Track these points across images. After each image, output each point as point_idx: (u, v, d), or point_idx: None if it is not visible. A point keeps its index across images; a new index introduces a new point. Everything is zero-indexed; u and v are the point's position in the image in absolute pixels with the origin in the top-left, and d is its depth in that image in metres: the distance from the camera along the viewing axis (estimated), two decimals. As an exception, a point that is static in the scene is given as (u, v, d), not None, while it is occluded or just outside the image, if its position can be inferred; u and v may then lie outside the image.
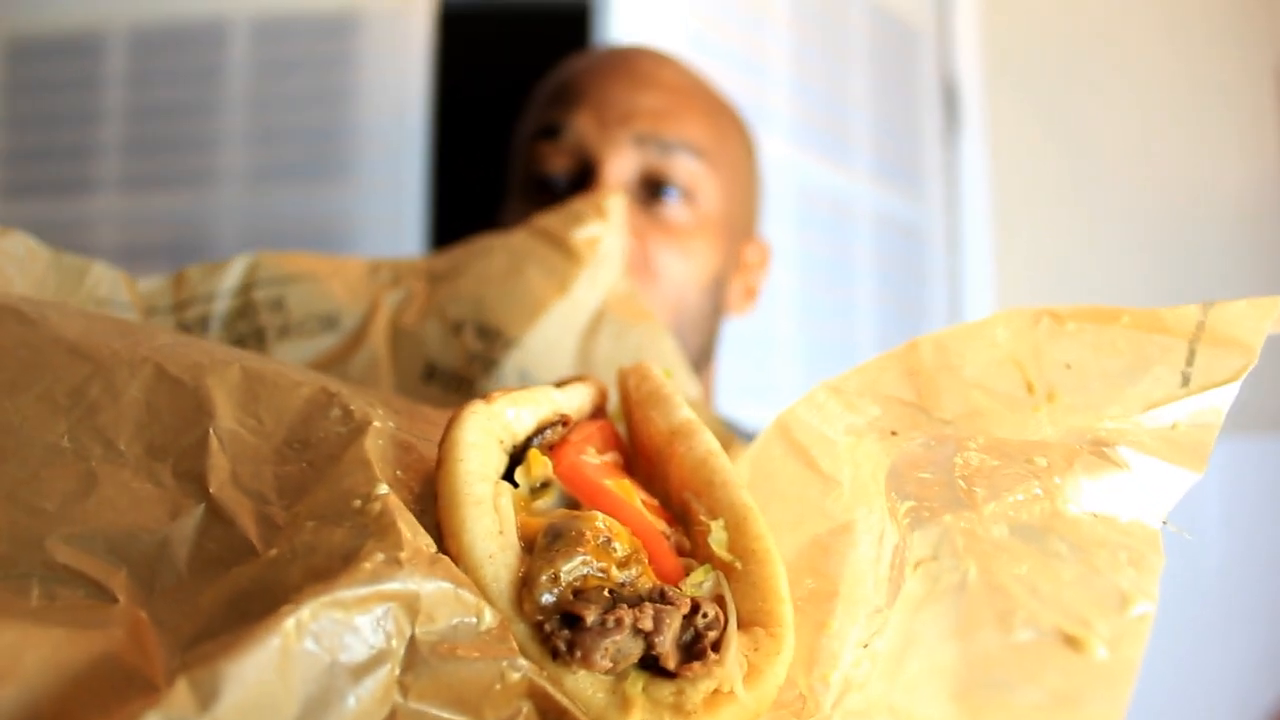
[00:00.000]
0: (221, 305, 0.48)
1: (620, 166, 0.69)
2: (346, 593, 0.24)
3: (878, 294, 1.53)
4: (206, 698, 0.21)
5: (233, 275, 0.49)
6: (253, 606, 0.24)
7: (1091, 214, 1.75)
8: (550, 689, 0.25)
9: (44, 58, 1.27)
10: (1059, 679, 0.26)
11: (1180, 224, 1.70)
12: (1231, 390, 0.32)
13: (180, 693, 0.21)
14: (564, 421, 0.32)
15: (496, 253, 0.53)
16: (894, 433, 0.34)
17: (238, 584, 0.26)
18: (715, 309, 0.77)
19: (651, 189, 0.71)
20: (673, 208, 0.71)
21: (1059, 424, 0.34)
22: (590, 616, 0.25)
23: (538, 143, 0.73)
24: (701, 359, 0.77)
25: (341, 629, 0.24)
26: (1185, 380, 0.33)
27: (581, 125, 0.70)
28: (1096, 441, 0.32)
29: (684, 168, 0.71)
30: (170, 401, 0.31)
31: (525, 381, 0.50)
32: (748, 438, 0.56)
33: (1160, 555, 0.30)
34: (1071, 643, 0.26)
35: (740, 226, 0.79)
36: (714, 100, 0.78)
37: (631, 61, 0.76)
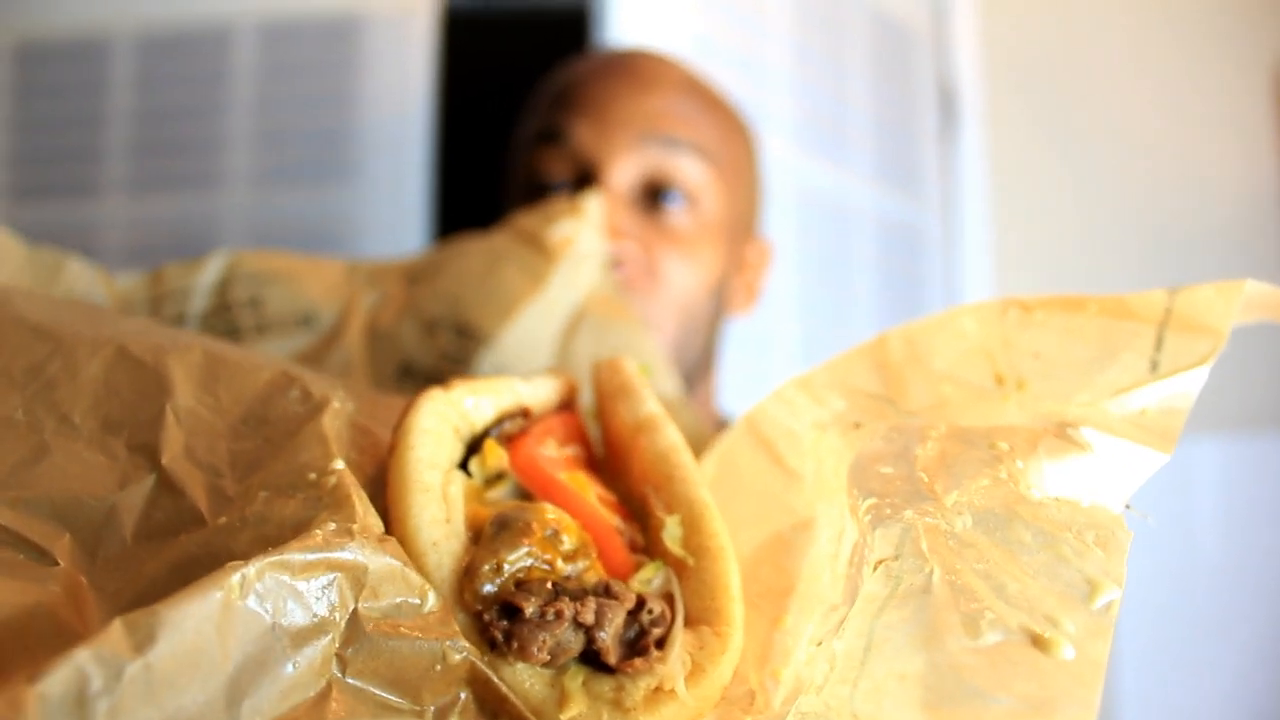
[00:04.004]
0: (199, 302, 0.49)
1: (622, 173, 0.68)
2: (295, 556, 0.24)
3: (876, 293, 1.53)
4: (142, 641, 0.21)
5: (210, 273, 0.50)
6: (197, 572, 0.23)
7: (1089, 215, 1.74)
8: (492, 676, 0.25)
9: (52, 62, 1.29)
10: (1029, 684, 0.25)
11: (1177, 224, 1.68)
12: (1201, 374, 0.32)
13: (115, 632, 0.21)
14: (524, 413, 0.32)
15: (473, 253, 0.53)
16: (857, 425, 0.34)
17: (184, 550, 0.26)
18: (719, 310, 0.76)
19: (654, 195, 0.70)
20: (676, 214, 0.69)
21: (1028, 411, 0.34)
22: (529, 608, 0.25)
23: (538, 147, 0.72)
24: (706, 360, 0.76)
25: (286, 592, 0.23)
26: (1154, 366, 0.32)
27: (582, 131, 0.69)
28: (1061, 424, 0.32)
29: (688, 169, 0.70)
30: (129, 379, 0.31)
31: (501, 378, 0.50)
32: None
33: (1128, 533, 0.29)
34: (1039, 643, 0.26)
35: (743, 227, 0.78)
36: (716, 100, 0.77)
37: (633, 64, 0.75)
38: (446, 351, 0.50)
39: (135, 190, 1.33)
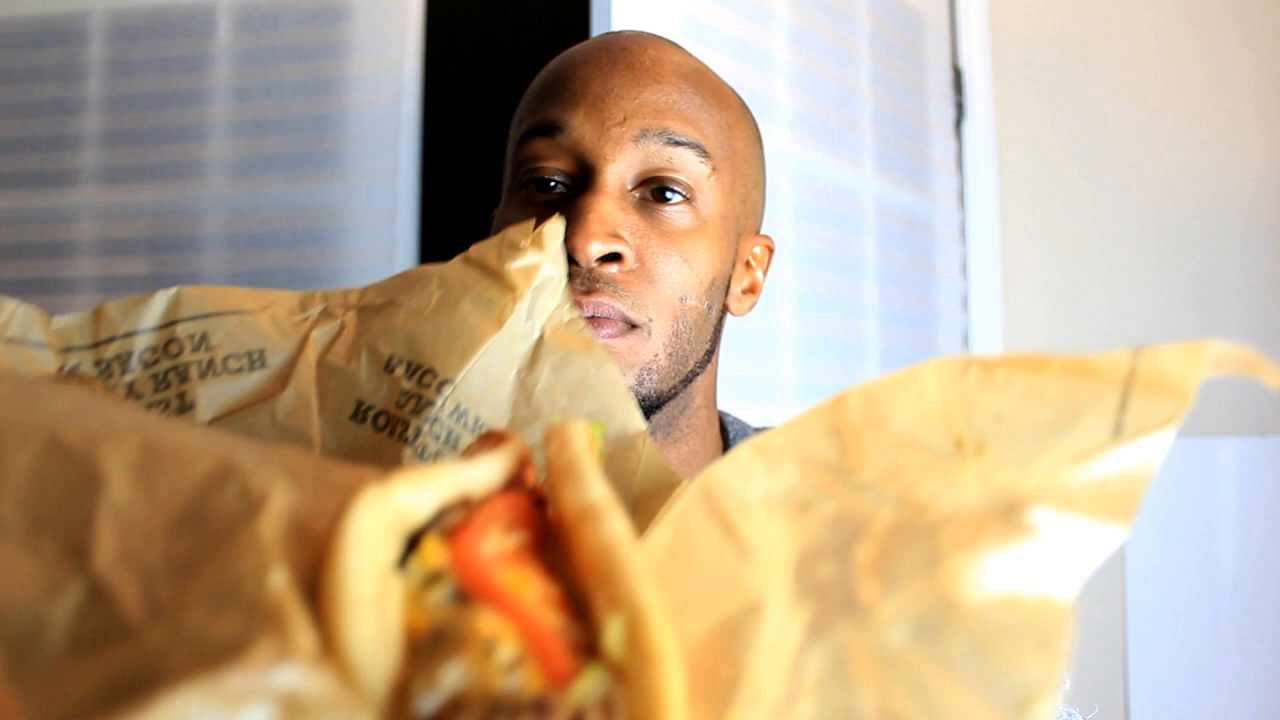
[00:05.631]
0: (142, 342, 0.47)
1: (620, 168, 0.67)
2: (229, 684, 0.23)
3: (884, 289, 1.51)
4: None
5: (154, 311, 0.48)
6: (128, 694, 0.23)
7: (1102, 207, 1.72)
8: None
9: (21, 45, 1.26)
10: None
11: (1192, 218, 1.66)
12: (1166, 438, 0.31)
13: None
14: (466, 502, 0.32)
15: (430, 285, 0.52)
16: (806, 508, 0.33)
17: (115, 667, 0.25)
18: (716, 310, 0.75)
19: (652, 191, 0.69)
20: (674, 211, 0.69)
21: (986, 481, 0.33)
22: (462, 734, 0.25)
23: (534, 140, 0.70)
24: (705, 360, 0.75)
25: None
26: (1117, 430, 0.32)
27: (580, 124, 0.68)
28: (1011, 505, 0.31)
29: (688, 166, 0.69)
30: (60, 472, 0.30)
31: (460, 419, 0.49)
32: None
33: (1070, 630, 0.28)
34: None
35: (743, 223, 0.77)
36: (721, 91, 0.76)
37: (633, 53, 0.72)
38: (404, 390, 0.49)
39: (109, 180, 1.30)
